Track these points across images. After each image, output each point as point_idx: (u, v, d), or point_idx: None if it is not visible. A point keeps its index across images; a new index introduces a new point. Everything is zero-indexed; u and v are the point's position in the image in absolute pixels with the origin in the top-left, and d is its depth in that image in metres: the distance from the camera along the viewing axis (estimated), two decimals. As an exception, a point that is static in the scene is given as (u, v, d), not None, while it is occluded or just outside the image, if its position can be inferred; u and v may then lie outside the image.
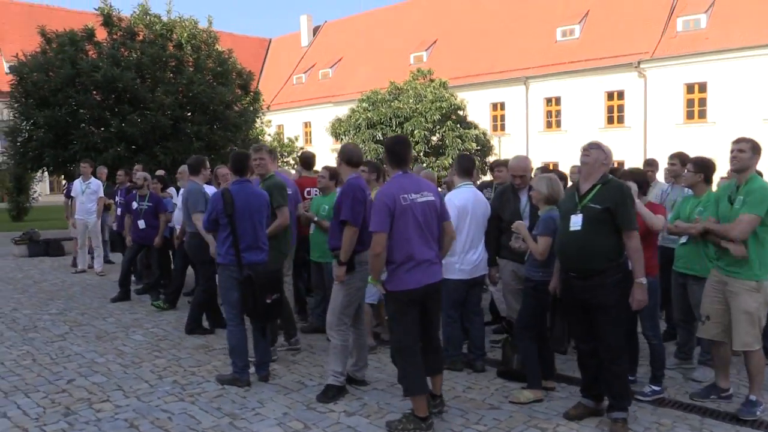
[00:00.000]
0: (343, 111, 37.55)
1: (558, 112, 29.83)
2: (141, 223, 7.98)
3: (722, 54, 24.44)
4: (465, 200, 5.09)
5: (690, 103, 25.85)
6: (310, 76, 42.11)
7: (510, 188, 5.29)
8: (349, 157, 4.66)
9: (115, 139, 13.43)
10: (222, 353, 5.55)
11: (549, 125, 30.16)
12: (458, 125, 21.59)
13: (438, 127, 21.25)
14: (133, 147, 13.90)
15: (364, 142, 20.73)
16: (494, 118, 31.77)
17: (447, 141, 21.06)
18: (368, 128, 21.37)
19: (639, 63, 26.52)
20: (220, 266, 4.89)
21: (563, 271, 4.19)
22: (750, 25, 24.14)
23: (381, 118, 21.21)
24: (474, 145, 21.46)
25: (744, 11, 24.78)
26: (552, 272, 4.45)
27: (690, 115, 25.86)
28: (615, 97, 28.01)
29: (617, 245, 3.97)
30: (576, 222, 4.02)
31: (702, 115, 25.51)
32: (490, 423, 4.13)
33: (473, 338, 5.29)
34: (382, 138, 20.46)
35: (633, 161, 21.17)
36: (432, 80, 22.89)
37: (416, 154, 20.74)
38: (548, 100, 30.09)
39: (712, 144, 22.58)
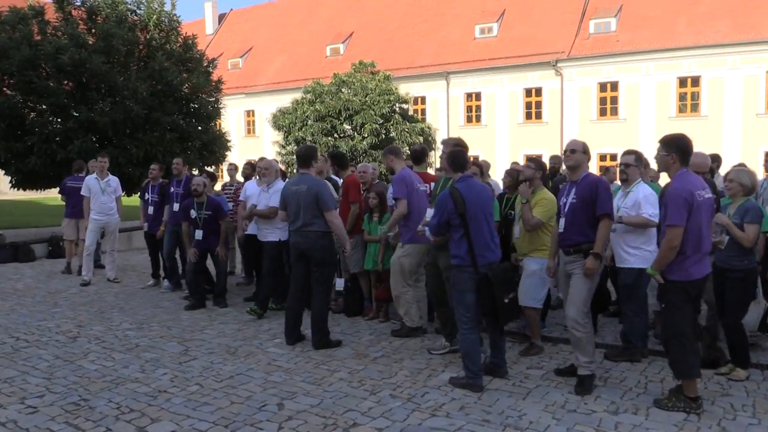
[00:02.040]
0: (257, 102, 36.47)
1: (478, 107, 30.82)
2: (198, 234, 7.28)
3: (632, 56, 26.50)
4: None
5: (603, 100, 27.77)
6: (218, 65, 40.07)
7: None
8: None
9: (81, 130, 11.97)
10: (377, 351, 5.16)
11: (469, 120, 31.08)
12: (404, 119, 21.61)
13: (385, 121, 21.12)
14: (96, 138, 12.49)
15: (314, 135, 20.12)
16: (415, 112, 32.17)
17: (395, 134, 20.99)
18: (316, 121, 20.76)
19: (556, 62, 28.05)
20: (456, 268, 4.54)
21: None
22: (657, 28, 26.38)
23: (329, 111, 20.67)
24: (420, 139, 21.59)
25: (650, 16, 27.00)
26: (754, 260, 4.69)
27: (603, 112, 27.79)
28: (533, 93, 29.43)
29: None
30: None
31: (614, 112, 27.50)
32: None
33: None
34: (331, 131, 19.98)
35: (549, 155, 22.59)
36: (373, 73, 22.68)
37: (366, 149, 20.50)
38: (468, 96, 30.99)
39: (623, 140, 24.58)
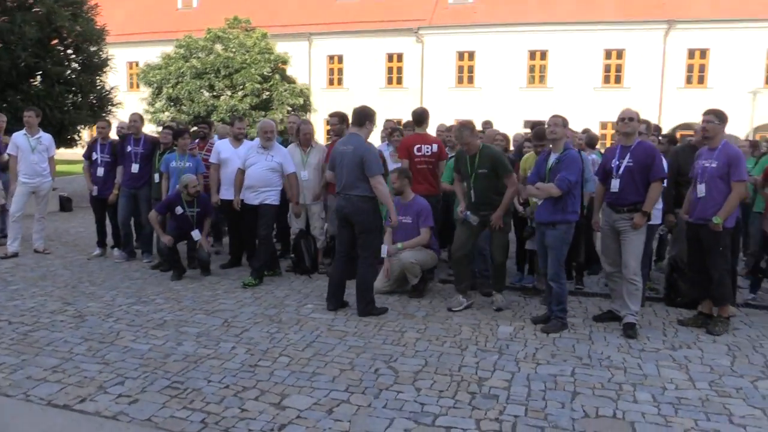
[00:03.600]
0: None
1: (341, 70, 30.81)
2: (196, 234, 6.84)
3: (488, 27, 28.15)
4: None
5: (461, 69, 29.25)
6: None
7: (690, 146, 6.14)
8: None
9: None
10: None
11: (332, 82, 30.99)
12: (283, 80, 20.98)
13: (264, 81, 20.32)
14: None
15: (191, 93, 18.76)
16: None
17: (275, 95, 20.32)
18: (193, 78, 19.31)
19: (418, 29, 28.90)
20: (567, 224, 5.05)
21: None
22: (511, 3, 28.22)
23: (206, 68, 19.35)
24: (300, 100, 21.15)
25: (503, -9, 28.78)
26: None
27: (461, 80, 29.30)
28: (395, 59, 30.09)
29: None
30: None
31: (470, 80, 29.15)
32: None
33: None
34: (210, 87, 18.78)
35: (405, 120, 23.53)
36: (247, 30, 21.59)
37: (246, 109, 19.63)
38: (331, 58, 30.82)
39: (477, 108, 26.29)
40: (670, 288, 6.05)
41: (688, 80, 26.25)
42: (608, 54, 26.94)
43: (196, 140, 7.82)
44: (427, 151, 6.69)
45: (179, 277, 6.69)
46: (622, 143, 5.22)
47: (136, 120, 7.37)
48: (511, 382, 4.07)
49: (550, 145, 5.26)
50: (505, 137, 7.18)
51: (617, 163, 5.16)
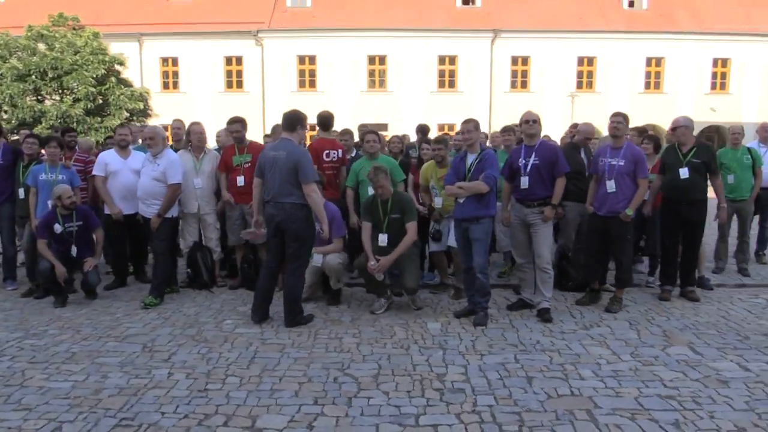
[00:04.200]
0: None
1: (176, 73, 29.27)
2: (74, 251, 6.13)
3: (327, 32, 28.39)
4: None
5: (302, 73, 29.21)
6: None
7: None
8: None
9: None
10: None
11: (166, 86, 29.31)
12: (119, 82, 19.41)
13: (99, 84, 18.63)
14: None
15: (13, 97, 16.62)
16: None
17: (111, 99, 18.73)
18: (15, 81, 17.09)
19: (257, 32, 28.36)
20: (491, 218, 5.43)
21: None
22: (348, 8, 28.72)
23: (30, 69, 17.25)
24: (140, 104, 19.74)
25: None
26: None
27: (302, 84, 29.25)
28: (234, 62, 29.23)
29: None
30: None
31: (312, 84, 29.22)
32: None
33: None
34: (35, 91, 16.80)
35: (253, 126, 23.30)
36: (75, 29, 19.64)
37: (80, 115, 17.89)
38: (164, 60, 29.15)
39: (317, 111, 26.46)
40: (561, 274, 6.61)
41: (513, 85, 28.71)
42: (442, 60, 28.56)
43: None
44: (334, 157, 6.66)
45: (63, 303, 5.96)
46: (526, 143, 5.63)
47: None
48: (468, 375, 4.22)
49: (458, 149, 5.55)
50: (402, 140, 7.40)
51: (524, 162, 5.55)
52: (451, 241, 5.92)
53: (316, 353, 4.64)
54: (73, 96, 17.81)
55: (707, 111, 28.01)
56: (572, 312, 5.80)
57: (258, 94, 29.03)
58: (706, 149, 6.16)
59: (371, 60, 28.76)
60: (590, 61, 28.62)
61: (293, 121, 5.30)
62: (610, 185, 5.58)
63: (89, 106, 18.17)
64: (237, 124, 6.47)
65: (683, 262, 6.23)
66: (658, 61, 28.69)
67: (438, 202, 6.15)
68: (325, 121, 6.74)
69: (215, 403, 3.76)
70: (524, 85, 28.75)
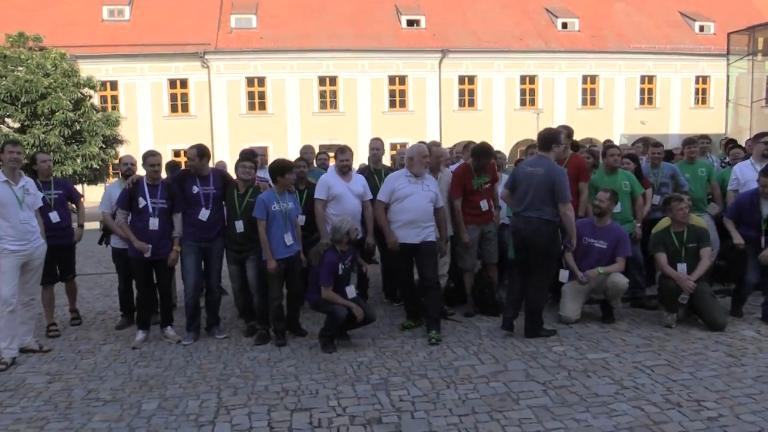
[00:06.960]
0: None
1: (114, 98, 27.98)
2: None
3: (275, 53, 28.12)
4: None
5: (251, 95, 28.71)
6: None
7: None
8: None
9: None
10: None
11: (104, 110, 27.87)
12: (92, 108, 18.41)
13: (74, 109, 17.52)
14: None
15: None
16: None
17: (87, 125, 17.61)
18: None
19: (204, 54, 27.65)
20: None
21: None
22: (294, 29, 28.57)
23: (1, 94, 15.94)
24: (116, 129, 18.81)
25: (286, 16, 29.04)
26: None
27: (252, 107, 28.74)
28: (178, 85, 28.32)
29: None
30: None
31: (263, 107, 28.78)
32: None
33: None
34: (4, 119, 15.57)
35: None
36: (41, 48, 18.41)
37: (58, 143, 16.75)
38: (103, 84, 27.75)
39: (272, 134, 26.52)
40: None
41: (461, 103, 29.57)
42: (392, 80, 28.99)
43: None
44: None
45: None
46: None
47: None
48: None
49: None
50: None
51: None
52: None
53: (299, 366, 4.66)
54: (47, 122, 16.60)
55: (638, 124, 30.03)
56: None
57: (206, 118, 28.27)
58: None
59: (322, 81, 28.72)
60: (531, 79, 29.98)
61: (548, 140, 5.42)
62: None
63: (66, 132, 17.09)
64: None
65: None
66: (593, 79, 30.49)
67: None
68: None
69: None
70: (471, 103, 29.68)
